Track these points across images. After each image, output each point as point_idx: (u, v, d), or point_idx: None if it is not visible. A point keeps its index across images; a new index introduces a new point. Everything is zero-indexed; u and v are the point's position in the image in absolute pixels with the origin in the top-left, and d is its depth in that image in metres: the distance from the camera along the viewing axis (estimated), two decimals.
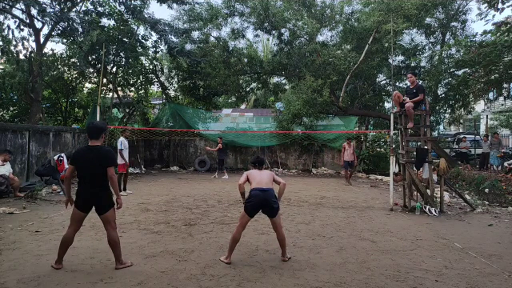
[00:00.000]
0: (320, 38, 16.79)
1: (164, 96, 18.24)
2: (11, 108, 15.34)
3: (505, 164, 12.55)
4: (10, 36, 11.44)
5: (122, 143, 9.24)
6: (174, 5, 15.67)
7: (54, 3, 12.59)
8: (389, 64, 14.95)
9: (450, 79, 14.68)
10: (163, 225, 6.04)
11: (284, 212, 7.39)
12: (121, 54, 13.95)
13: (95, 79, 15.75)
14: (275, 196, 4.37)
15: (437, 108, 15.55)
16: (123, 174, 9.27)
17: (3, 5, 11.49)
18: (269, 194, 4.28)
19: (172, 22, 15.72)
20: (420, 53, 16.06)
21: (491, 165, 13.11)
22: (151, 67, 16.87)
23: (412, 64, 15.69)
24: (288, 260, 4.37)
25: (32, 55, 12.15)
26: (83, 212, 3.91)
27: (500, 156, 13.04)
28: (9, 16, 11.90)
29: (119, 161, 8.98)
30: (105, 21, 13.79)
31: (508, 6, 9.24)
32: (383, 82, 18.55)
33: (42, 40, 12.75)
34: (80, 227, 4.05)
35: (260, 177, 4.40)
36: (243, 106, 27.74)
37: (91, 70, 14.76)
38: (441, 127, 20.87)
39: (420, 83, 9.04)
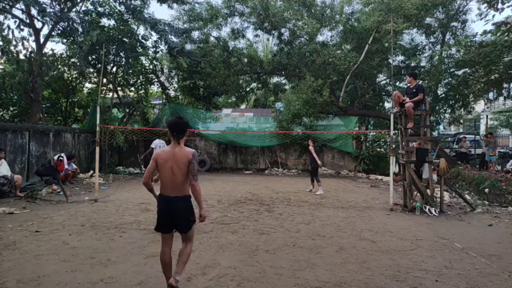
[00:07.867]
0: (320, 38, 16.79)
1: (164, 96, 18.23)
2: (11, 108, 15.32)
3: (507, 166, 12.52)
4: (10, 36, 11.49)
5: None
6: (174, 5, 15.67)
7: (54, 3, 12.59)
8: (389, 64, 14.95)
9: (450, 79, 14.66)
10: None
11: (284, 212, 7.40)
12: (121, 54, 13.94)
13: (95, 79, 15.74)
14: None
15: (437, 108, 15.52)
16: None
17: (3, 5, 11.49)
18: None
19: (172, 22, 15.70)
20: (420, 53, 16.05)
21: (490, 164, 13.11)
22: (151, 67, 16.86)
23: (412, 64, 15.66)
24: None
25: (32, 55, 12.15)
26: None
27: (494, 155, 13.08)
28: (9, 16, 11.90)
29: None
30: (105, 21, 13.80)
31: (508, 6, 9.23)
32: (383, 82, 18.54)
33: (42, 40, 12.75)
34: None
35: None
36: (243, 106, 27.74)
37: (91, 70, 14.75)
38: (441, 127, 20.85)
39: (420, 83, 9.04)
